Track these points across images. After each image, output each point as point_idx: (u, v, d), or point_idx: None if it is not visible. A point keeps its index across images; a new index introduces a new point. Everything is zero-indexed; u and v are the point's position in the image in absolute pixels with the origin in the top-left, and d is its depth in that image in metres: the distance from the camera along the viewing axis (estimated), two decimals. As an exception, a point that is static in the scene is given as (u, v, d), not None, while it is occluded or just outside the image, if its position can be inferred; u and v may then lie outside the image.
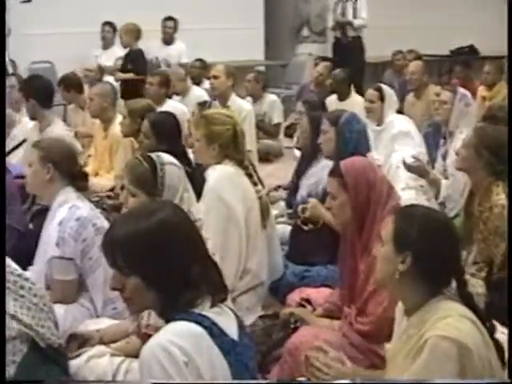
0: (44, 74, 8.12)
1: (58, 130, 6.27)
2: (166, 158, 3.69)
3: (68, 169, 4.03)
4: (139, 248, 2.26)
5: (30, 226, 5.12)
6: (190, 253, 2.33)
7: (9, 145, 6.80)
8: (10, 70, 9.71)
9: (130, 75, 9.94)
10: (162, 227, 2.29)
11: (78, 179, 4.07)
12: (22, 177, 5.57)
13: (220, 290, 2.39)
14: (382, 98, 6.69)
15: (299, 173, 5.66)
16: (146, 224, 2.28)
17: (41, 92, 6.41)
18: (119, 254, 2.27)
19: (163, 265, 2.27)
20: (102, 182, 6.50)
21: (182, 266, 2.29)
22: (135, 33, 10.31)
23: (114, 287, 2.34)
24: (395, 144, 6.43)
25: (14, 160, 6.53)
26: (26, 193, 5.30)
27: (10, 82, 8.09)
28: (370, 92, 6.84)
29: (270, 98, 9.60)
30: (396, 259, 2.58)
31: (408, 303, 2.64)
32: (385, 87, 6.90)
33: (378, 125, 6.67)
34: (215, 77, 7.55)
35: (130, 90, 9.11)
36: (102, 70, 10.34)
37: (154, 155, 3.66)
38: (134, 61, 9.98)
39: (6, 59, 9.62)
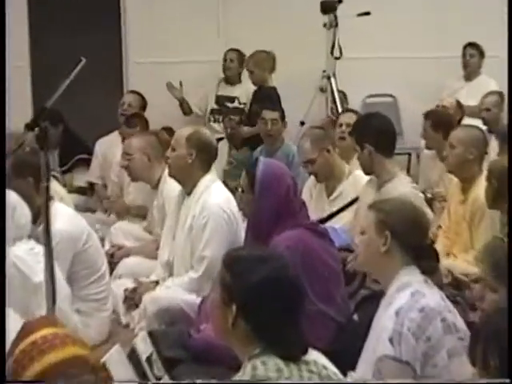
0: (384, 110, 6.84)
1: (403, 187, 5.19)
2: None
3: (412, 242, 3.43)
4: None
5: (355, 316, 4.49)
6: None
7: (338, 201, 5.86)
8: (339, 105, 8.65)
9: None
10: None
11: (424, 257, 3.45)
12: (349, 250, 4.89)
13: None
14: None
15: None
16: None
17: (380, 136, 5.33)
18: None
19: None
20: (456, 264, 5.24)
21: None
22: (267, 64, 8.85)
23: None
24: None
25: (338, 224, 5.61)
26: (354, 273, 4.79)
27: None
28: None
29: None
30: None
31: None
32: None
33: None
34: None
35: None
36: (461, 109, 8.21)
37: None
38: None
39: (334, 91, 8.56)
